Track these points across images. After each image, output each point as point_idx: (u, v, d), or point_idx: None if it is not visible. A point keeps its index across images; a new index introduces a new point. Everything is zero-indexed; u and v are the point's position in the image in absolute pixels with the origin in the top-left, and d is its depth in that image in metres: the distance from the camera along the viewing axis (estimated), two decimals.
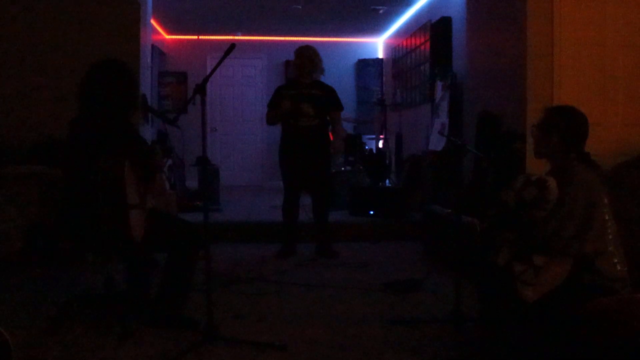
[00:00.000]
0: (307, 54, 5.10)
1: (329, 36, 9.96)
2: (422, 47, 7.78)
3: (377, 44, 10.63)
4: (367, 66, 10.38)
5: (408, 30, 8.67)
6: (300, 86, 5.10)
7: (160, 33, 9.61)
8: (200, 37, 10.13)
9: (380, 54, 10.58)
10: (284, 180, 5.23)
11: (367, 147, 8.51)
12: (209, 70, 6.90)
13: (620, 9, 4.62)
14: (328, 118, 5.17)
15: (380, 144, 8.70)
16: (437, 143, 6.39)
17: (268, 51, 10.34)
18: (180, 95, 9.82)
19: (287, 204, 5.18)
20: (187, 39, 10.19)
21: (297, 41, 8.22)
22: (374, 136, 9.00)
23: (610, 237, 2.49)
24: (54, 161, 4.84)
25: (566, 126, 2.59)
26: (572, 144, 2.59)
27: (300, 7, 7.96)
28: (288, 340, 3.05)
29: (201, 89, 3.02)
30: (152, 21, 7.66)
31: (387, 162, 7.82)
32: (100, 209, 2.90)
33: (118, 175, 2.92)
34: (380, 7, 8.11)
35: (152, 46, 7.74)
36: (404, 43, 8.87)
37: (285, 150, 5.17)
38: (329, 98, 5.12)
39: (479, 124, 5.53)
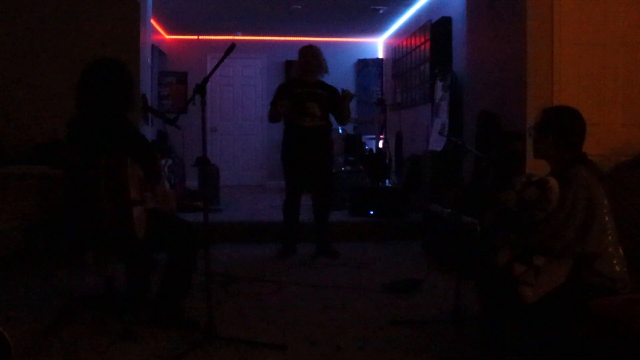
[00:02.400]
0: (314, 53, 5.07)
1: (329, 36, 9.96)
2: (422, 47, 7.78)
3: (377, 44, 10.63)
4: (367, 66, 10.38)
5: (408, 30, 8.67)
6: (306, 85, 5.07)
7: (160, 33, 9.61)
8: (200, 37, 10.14)
9: (380, 54, 10.57)
10: (286, 180, 5.20)
11: (367, 147, 8.51)
12: (209, 70, 6.90)
13: (620, 8, 4.63)
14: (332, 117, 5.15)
15: (380, 144, 8.69)
16: (437, 143, 6.39)
17: (268, 51, 10.34)
18: (180, 95, 9.81)
19: (288, 204, 5.16)
20: (187, 39, 10.19)
21: (297, 41, 8.23)
22: (374, 136, 9.00)
23: (610, 238, 2.48)
24: (54, 161, 4.84)
25: (560, 127, 2.58)
26: (568, 144, 2.57)
27: (300, 7, 7.96)
28: (288, 340, 3.06)
29: (201, 89, 3.02)
30: (152, 21, 7.66)
31: (387, 162, 7.82)
32: (104, 206, 2.90)
33: (121, 172, 2.91)
34: (380, 7, 8.11)
35: (152, 46, 7.74)
36: (404, 43, 8.87)
37: (289, 150, 5.15)
38: (333, 98, 5.10)
39: (479, 124, 5.52)
